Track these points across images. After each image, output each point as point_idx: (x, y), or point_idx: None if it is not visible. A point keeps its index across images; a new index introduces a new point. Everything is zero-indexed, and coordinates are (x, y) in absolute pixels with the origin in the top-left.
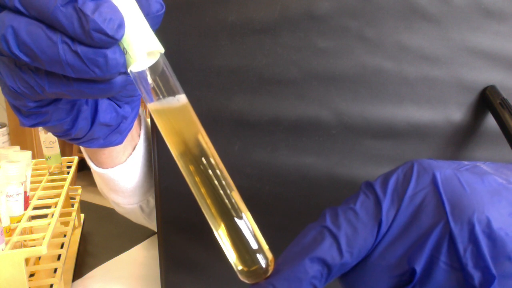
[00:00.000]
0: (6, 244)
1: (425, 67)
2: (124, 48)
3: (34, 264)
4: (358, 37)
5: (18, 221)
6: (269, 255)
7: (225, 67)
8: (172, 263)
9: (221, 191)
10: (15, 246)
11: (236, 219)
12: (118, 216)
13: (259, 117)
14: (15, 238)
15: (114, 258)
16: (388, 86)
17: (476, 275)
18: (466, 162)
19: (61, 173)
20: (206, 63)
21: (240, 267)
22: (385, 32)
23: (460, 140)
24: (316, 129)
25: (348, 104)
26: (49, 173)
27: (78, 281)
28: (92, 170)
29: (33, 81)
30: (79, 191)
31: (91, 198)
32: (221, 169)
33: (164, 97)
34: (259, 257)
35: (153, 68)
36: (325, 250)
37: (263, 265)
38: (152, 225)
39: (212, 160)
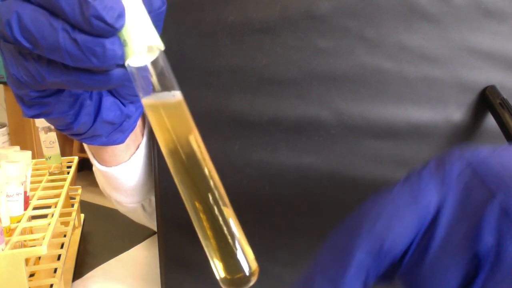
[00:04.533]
0: (6, 244)
1: (425, 67)
2: (124, 40)
3: (34, 264)
4: (358, 37)
5: (18, 221)
6: (254, 265)
7: (225, 67)
8: (172, 263)
9: (208, 194)
10: (15, 246)
11: (222, 224)
12: (118, 216)
13: (259, 117)
14: (15, 238)
15: (114, 258)
16: (388, 86)
17: None
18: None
19: (61, 173)
20: (206, 63)
21: (223, 274)
22: (385, 32)
23: (460, 140)
24: (316, 129)
25: (348, 104)
26: (49, 173)
27: (78, 281)
28: (94, 169)
29: (34, 70)
30: (79, 191)
31: (91, 198)
32: (210, 169)
33: (158, 92)
34: (244, 265)
35: (151, 64)
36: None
37: (247, 274)
38: (153, 225)
39: (201, 161)
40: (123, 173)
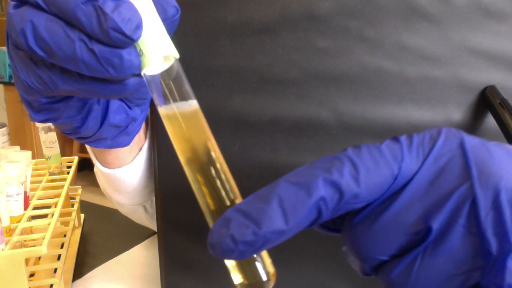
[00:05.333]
0: (6, 244)
1: (425, 67)
2: (140, 50)
3: (34, 264)
4: (358, 37)
5: (18, 221)
6: (271, 269)
7: (225, 67)
8: (172, 263)
9: (228, 202)
10: (15, 246)
11: None
12: (118, 216)
13: (259, 117)
14: (15, 238)
15: (114, 258)
16: (388, 86)
17: (494, 242)
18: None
19: (61, 173)
20: (206, 63)
21: (240, 280)
22: (385, 32)
23: None
24: (316, 129)
25: (348, 104)
26: (49, 173)
27: (78, 281)
28: (95, 170)
29: (47, 77)
30: (79, 191)
31: (91, 198)
32: (228, 178)
33: (175, 101)
34: (261, 270)
35: (167, 73)
36: (342, 175)
37: (264, 279)
38: (154, 225)
39: (220, 170)
40: (126, 175)
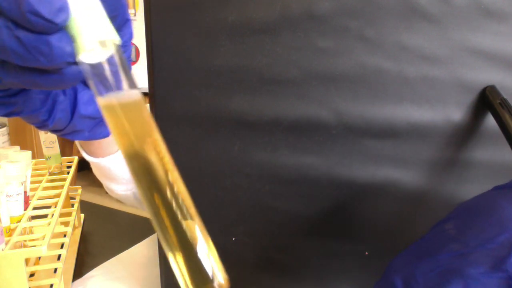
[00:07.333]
0: (6, 244)
1: (425, 67)
2: (73, 35)
3: (34, 264)
4: (358, 37)
5: (18, 221)
6: (221, 276)
7: (225, 67)
8: None
9: (171, 201)
10: (15, 246)
11: (185, 231)
12: (118, 216)
13: (259, 117)
14: (15, 238)
15: (114, 258)
16: (388, 86)
17: None
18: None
19: (61, 173)
20: (206, 63)
21: (189, 285)
22: (385, 32)
23: (460, 140)
24: (316, 129)
25: (348, 104)
26: (49, 173)
27: (78, 281)
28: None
29: None
30: (79, 191)
31: (91, 198)
32: (173, 176)
33: (114, 91)
34: (210, 275)
35: (106, 60)
36: None
37: (215, 285)
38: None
39: (161, 167)
40: (112, 164)
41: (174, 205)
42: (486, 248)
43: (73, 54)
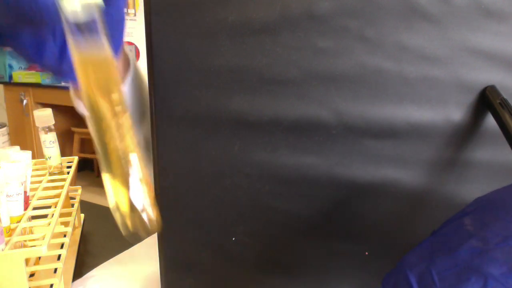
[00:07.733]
0: (6, 244)
1: (425, 67)
2: None
3: (34, 264)
4: (358, 37)
5: (18, 221)
6: (153, 213)
7: (225, 67)
8: (172, 263)
9: (114, 137)
10: (15, 246)
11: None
12: None
13: (259, 117)
14: (15, 238)
15: (114, 258)
16: (388, 86)
17: None
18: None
19: (61, 173)
20: (206, 63)
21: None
22: (385, 32)
23: (460, 140)
24: (316, 129)
25: (348, 104)
26: (49, 173)
27: (78, 281)
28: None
29: None
30: (79, 191)
31: (91, 198)
32: (123, 131)
33: (90, 44)
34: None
35: (85, 11)
36: None
37: (146, 222)
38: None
39: (115, 123)
40: None
41: (118, 140)
42: (509, 245)
43: None
